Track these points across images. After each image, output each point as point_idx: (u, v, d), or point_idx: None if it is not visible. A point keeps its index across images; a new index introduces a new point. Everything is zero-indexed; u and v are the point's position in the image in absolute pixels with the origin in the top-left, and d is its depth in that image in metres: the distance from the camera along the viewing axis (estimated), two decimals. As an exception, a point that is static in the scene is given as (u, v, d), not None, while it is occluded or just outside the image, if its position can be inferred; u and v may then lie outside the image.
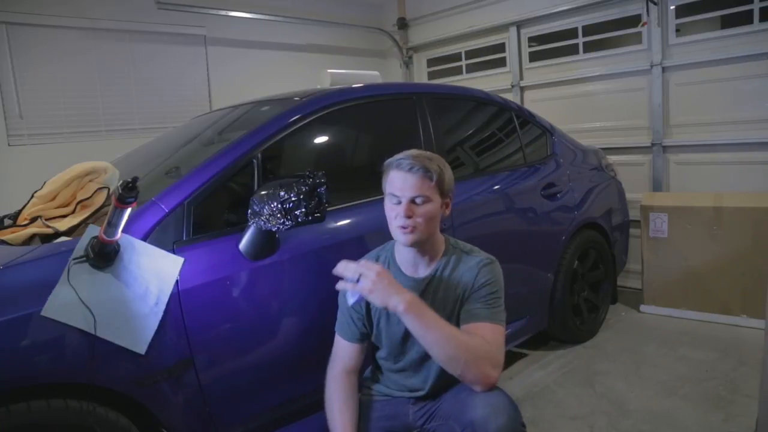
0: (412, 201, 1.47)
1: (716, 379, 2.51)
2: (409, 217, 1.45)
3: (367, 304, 1.58)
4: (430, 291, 1.54)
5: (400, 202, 1.48)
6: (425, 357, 1.56)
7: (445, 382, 1.56)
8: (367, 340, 1.62)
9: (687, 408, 2.29)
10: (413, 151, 1.53)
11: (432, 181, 1.48)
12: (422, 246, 1.52)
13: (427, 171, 1.47)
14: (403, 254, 1.57)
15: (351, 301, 1.43)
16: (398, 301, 1.32)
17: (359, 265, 1.38)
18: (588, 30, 4.00)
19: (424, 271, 1.56)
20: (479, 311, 1.47)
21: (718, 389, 2.43)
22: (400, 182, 1.48)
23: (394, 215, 1.49)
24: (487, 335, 1.41)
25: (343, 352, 1.60)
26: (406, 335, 1.55)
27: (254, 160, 1.76)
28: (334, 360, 1.61)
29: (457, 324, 1.52)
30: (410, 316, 1.33)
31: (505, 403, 1.34)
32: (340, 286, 1.41)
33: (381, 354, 1.63)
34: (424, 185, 1.47)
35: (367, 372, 1.73)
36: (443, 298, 1.53)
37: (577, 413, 2.32)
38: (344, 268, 1.38)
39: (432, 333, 1.34)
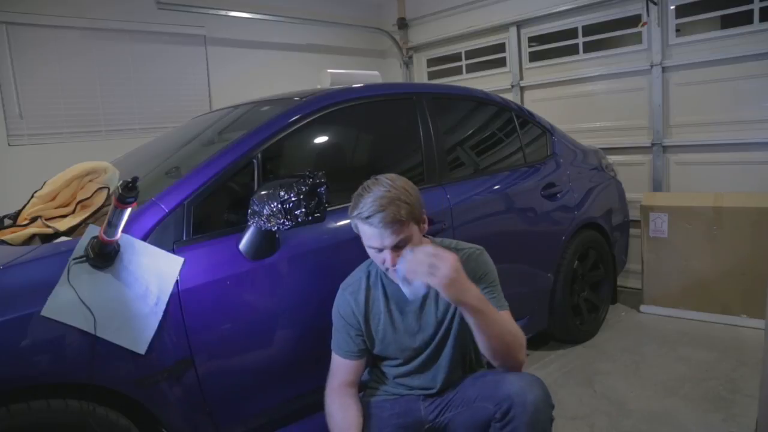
0: (394, 248, 1.43)
1: (716, 379, 2.51)
2: (394, 264, 1.42)
3: (366, 319, 1.57)
4: (429, 295, 1.55)
5: (381, 251, 1.45)
6: (433, 358, 1.57)
7: (453, 378, 1.58)
8: (366, 356, 1.60)
9: (687, 408, 2.29)
10: (374, 201, 1.43)
11: (405, 225, 1.43)
12: None
13: (398, 219, 1.41)
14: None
15: (420, 291, 1.34)
16: (471, 297, 1.33)
17: (433, 257, 1.30)
18: (588, 30, 4.00)
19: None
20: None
21: (718, 389, 2.43)
22: (376, 237, 1.43)
23: (381, 261, 1.47)
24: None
25: (342, 368, 1.58)
26: (418, 339, 1.56)
27: (254, 160, 1.76)
28: (333, 376, 1.58)
29: (461, 320, 1.53)
30: (480, 313, 1.35)
31: (536, 379, 1.42)
32: (408, 276, 1.31)
33: (389, 362, 1.62)
34: (401, 230, 1.42)
35: (365, 375, 1.70)
36: (442, 299, 1.53)
37: (577, 413, 2.32)
38: (416, 262, 1.30)
39: (494, 326, 1.38)
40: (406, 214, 1.43)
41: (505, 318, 1.47)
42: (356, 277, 1.62)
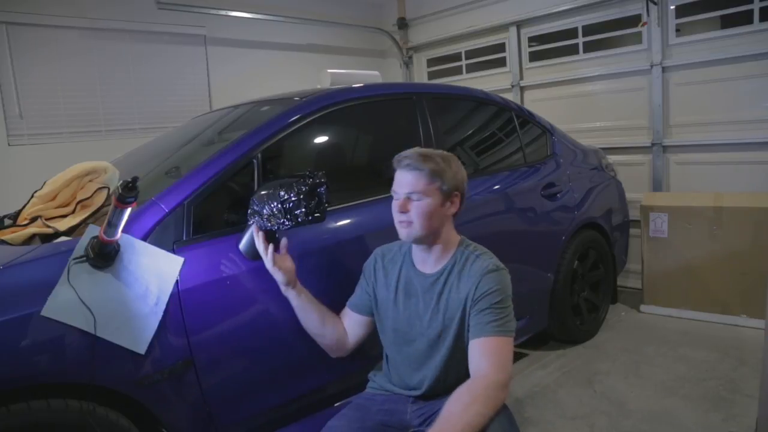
0: (408, 197, 1.52)
1: (716, 379, 2.51)
2: (402, 212, 1.52)
3: (377, 281, 1.64)
4: (436, 289, 1.55)
5: (399, 198, 1.54)
6: (426, 356, 1.57)
7: (443, 385, 1.56)
8: (364, 315, 1.68)
9: (687, 408, 2.29)
10: (416, 149, 1.57)
11: (425, 179, 1.51)
12: (426, 242, 1.56)
13: (420, 169, 1.51)
14: (415, 249, 1.62)
15: None
16: None
17: None
18: (588, 30, 4.00)
19: (432, 268, 1.58)
20: (484, 327, 1.46)
21: (718, 389, 2.43)
22: (398, 179, 1.55)
23: (395, 211, 1.55)
24: (491, 352, 1.43)
25: (343, 316, 1.71)
26: (413, 326, 1.57)
27: (254, 160, 1.76)
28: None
29: (457, 333, 1.53)
30: None
31: (503, 409, 1.40)
32: None
33: (385, 340, 1.65)
34: (417, 182, 1.51)
35: (375, 369, 1.75)
36: (449, 298, 1.54)
37: (577, 413, 2.32)
38: None
39: None
40: (431, 171, 1.51)
41: (476, 347, 1.44)
42: (392, 245, 1.70)
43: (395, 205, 1.55)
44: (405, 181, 1.53)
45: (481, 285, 1.48)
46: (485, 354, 1.43)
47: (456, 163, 1.58)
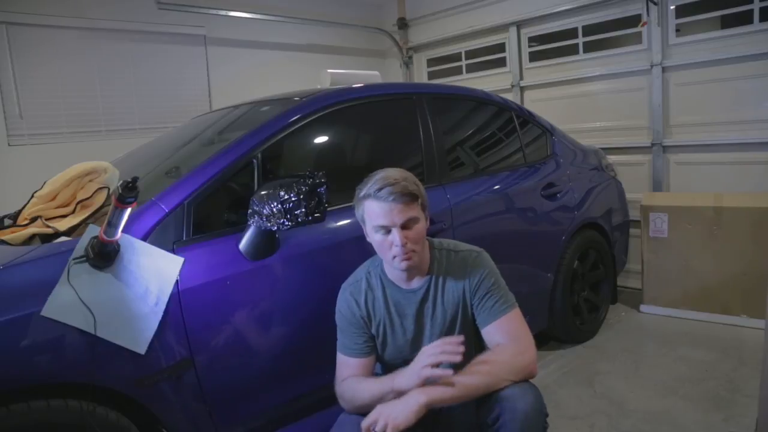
0: (403, 227, 1.44)
1: (716, 379, 2.51)
2: (405, 245, 1.43)
3: (368, 319, 1.56)
4: (428, 299, 1.55)
5: (389, 232, 1.45)
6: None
7: None
8: (374, 353, 1.58)
9: (687, 408, 2.29)
10: (385, 176, 1.46)
11: (414, 203, 1.46)
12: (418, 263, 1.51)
13: (411, 194, 1.45)
14: (395, 271, 1.54)
15: None
16: (440, 398, 1.29)
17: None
18: (588, 30, 4.00)
19: (418, 282, 1.55)
20: (491, 310, 1.50)
21: (718, 389, 2.43)
22: (385, 212, 1.43)
23: (388, 246, 1.45)
24: (508, 330, 1.47)
25: (350, 366, 1.55)
26: (416, 343, 1.55)
27: (254, 160, 1.76)
28: (340, 376, 1.55)
29: (463, 324, 1.53)
30: (461, 398, 1.32)
31: (530, 386, 1.38)
32: None
33: (384, 363, 1.60)
34: (411, 207, 1.45)
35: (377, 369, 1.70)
36: (443, 303, 1.54)
37: (577, 413, 2.32)
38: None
39: (482, 389, 1.34)
40: (415, 194, 1.46)
41: (491, 331, 1.47)
42: (357, 278, 1.61)
43: (389, 239, 1.44)
44: (397, 211, 1.42)
45: (473, 274, 1.52)
46: (503, 334, 1.47)
47: (418, 180, 1.52)
